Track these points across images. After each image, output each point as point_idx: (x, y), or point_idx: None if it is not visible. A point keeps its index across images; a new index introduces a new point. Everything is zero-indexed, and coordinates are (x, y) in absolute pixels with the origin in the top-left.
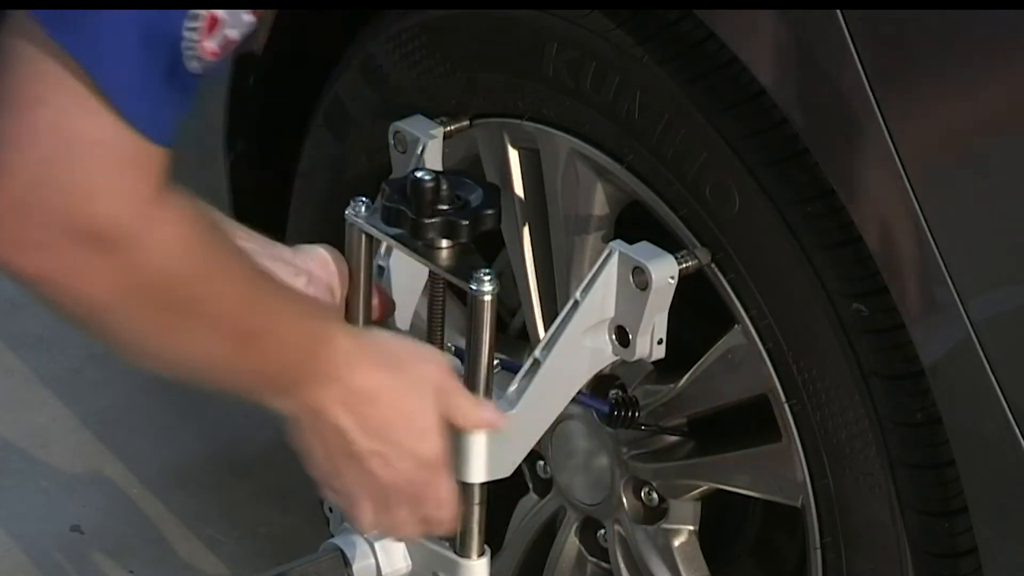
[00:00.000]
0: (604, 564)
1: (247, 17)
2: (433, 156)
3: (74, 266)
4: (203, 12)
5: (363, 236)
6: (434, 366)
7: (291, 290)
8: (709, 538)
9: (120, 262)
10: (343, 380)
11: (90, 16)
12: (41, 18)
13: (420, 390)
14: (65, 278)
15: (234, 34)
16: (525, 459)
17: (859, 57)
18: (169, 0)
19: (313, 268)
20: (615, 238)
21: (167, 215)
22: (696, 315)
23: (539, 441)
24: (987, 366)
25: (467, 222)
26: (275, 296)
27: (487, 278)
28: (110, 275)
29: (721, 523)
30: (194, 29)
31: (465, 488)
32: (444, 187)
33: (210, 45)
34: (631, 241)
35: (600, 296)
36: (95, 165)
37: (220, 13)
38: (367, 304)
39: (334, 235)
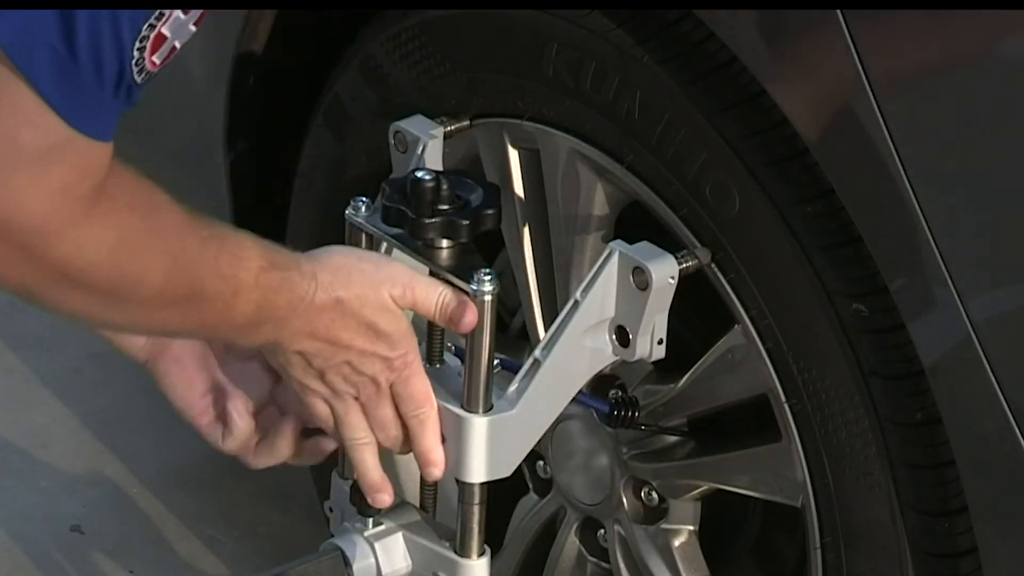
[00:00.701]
0: (604, 564)
1: (191, 28)
2: (433, 156)
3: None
4: (151, 32)
5: (363, 236)
6: (386, 270)
7: (238, 242)
8: (709, 538)
9: (40, 256)
10: (301, 318)
11: (31, 18)
12: None
13: (376, 299)
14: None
15: (178, 44)
16: (525, 459)
17: (859, 57)
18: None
19: None
20: (615, 238)
21: (98, 212)
22: (696, 315)
23: (539, 441)
24: (987, 366)
25: (467, 222)
26: (220, 259)
27: (487, 278)
28: (33, 267)
29: (721, 523)
30: (143, 48)
31: (465, 488)
32: (444, 187)
33: (155, 59)
34: (631, 241)
35: (600, 296)
36: (28, 164)
37: (166, 30)
38: None
39: (334, 235)
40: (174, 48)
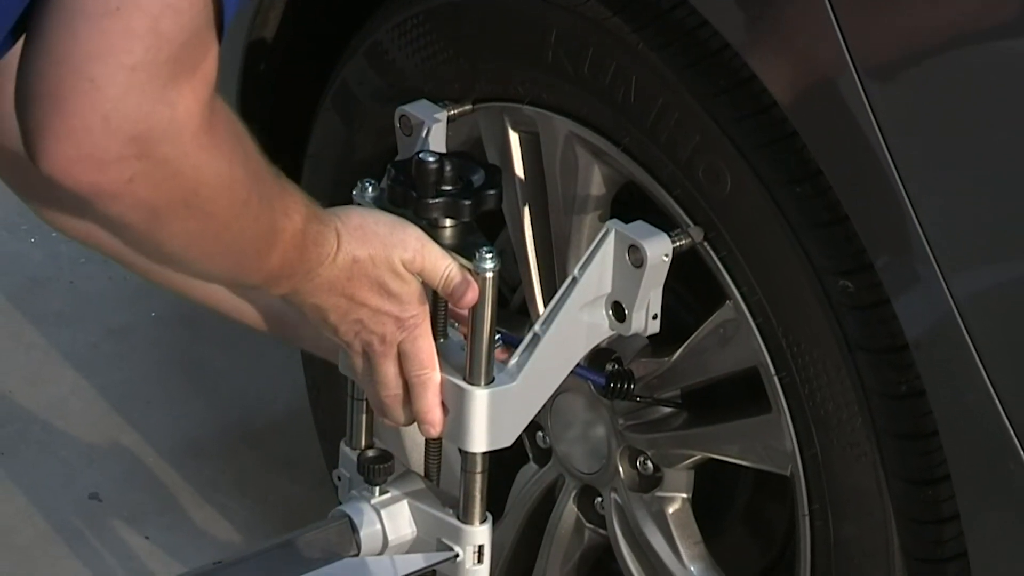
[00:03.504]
0: (601, 531)
1: None
2: (437, 139)
3: (146, 174)
4: None
5: None
6: (400, 234)
7: (290, 187)
8: (702, 505)
9: (181, 168)
10: (324, 273)
11: None
12: None
13: (387, 261)
14: (140, 188)
15: None
16: (525, 430)
17: (845, 42)
18: None
19: None
20: (611, 217)
21: (219, 120)
22: (689, 291)
23: (539, 412)
24: (968, 340)
25: (469, 202)
26: (285, 200)
27: (489, 256)
28: (171, 182)
29: (713, 491)
30: None
31: (468, 457)
32: (448, 168)
33: None
34: (627, 220)
35: (597, 273)
36: (177, 71)
37: None
38: None
39: None
40: None
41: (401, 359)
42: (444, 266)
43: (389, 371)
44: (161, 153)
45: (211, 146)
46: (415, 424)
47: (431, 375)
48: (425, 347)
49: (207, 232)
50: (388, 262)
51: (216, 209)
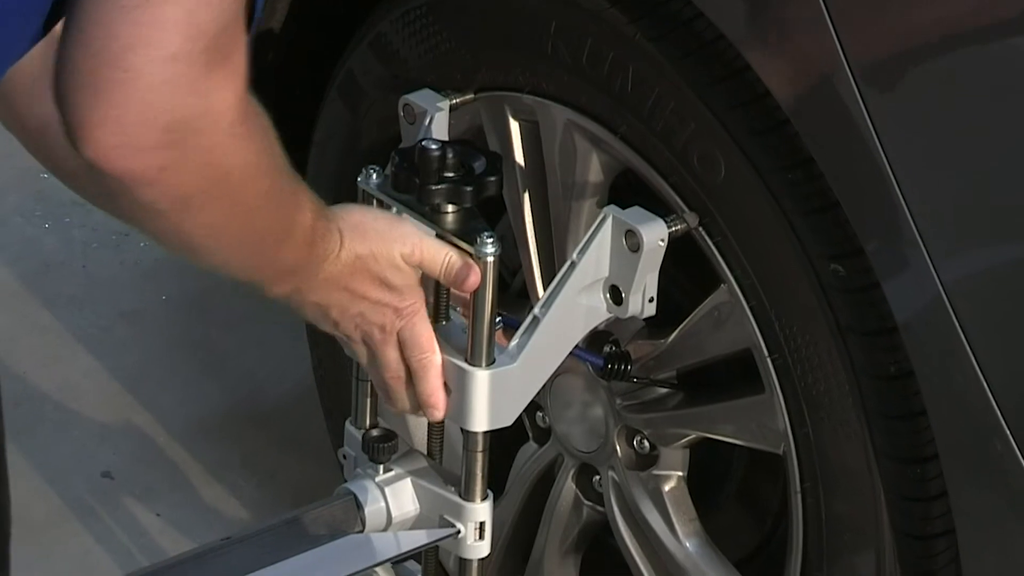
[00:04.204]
0: (599, 508)
1: None
2: (440, 127)
3: (181, 162)
4: None
5: (374, 202)
6: (398, 230)
7: (301, 184)
8: (697, 483)
9: (214, 156)
10: (327, 269)
11: None
12: None
13: (388, 256)
14: (174, 176)
15: None
16: (525, 410)
17: (836, 33)
18: None
19: None
20: (609, 203)
21: (250, 111)
22: (685, 275)
23: (538, 393)
24: (956, 322)
25: (471, 188)
26: (298, 197)
27: (490, 240)
28: (204, 170)
29: (708, 469)
30: None
31: (469, 437)
32: (450, 156)
33: None
34: (624, 206)
35: (595, 257)
36: (212, 61)
37: None
38: None
39: (347, 201)
40: None
41: (402, 346)
42: (443, 256)
43: (391, 356)
44: (196, 142)
45: (243, 136)
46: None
47: (432, 358)
48: (424, 332)
49: (233, 221)
50: (389, 257)
51: (243, 197)
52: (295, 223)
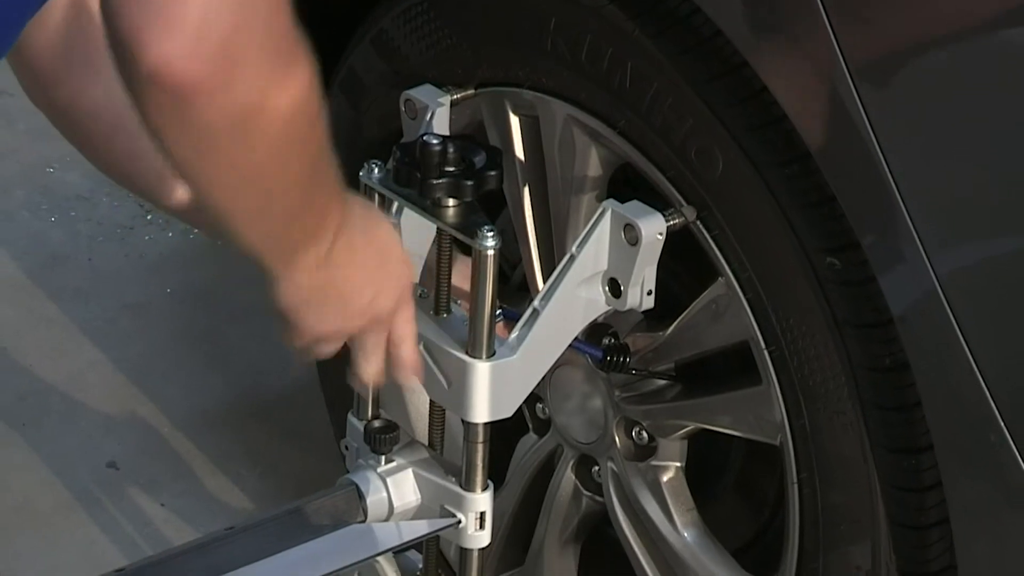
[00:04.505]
0: (598, 498)
1: None
2: (441, 122)
3: (241, 73)
4: None
5: (376, 196)
6: (405, 269)
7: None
8: (695, 474)
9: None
10: (327, 246)
11: None
12: None
13: (381, 275)
14: (238, 91)
15: None
16: (525, 401)
17: (833, 29)
18: None
19: None
20: (608, 197)
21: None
22: (683, 268)
23: (538, 384)
24: (951, 315)
25: (472, 182)
26: (331, 162)
27: (490, 234)
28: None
29: (706, 460)
30: None
31: (470, 428)
32: (451, 150)
33: None
34: (623, 200)
35: (594, 251)
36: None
37: None
38: None
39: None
40: None
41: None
42: (401, 332)
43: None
44: (255, 56)
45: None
46: (420, 395)
47: (411, 347)
48: (407, 328)
49: (288, 148)
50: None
51: (297, 125)
52: (334, 169)
